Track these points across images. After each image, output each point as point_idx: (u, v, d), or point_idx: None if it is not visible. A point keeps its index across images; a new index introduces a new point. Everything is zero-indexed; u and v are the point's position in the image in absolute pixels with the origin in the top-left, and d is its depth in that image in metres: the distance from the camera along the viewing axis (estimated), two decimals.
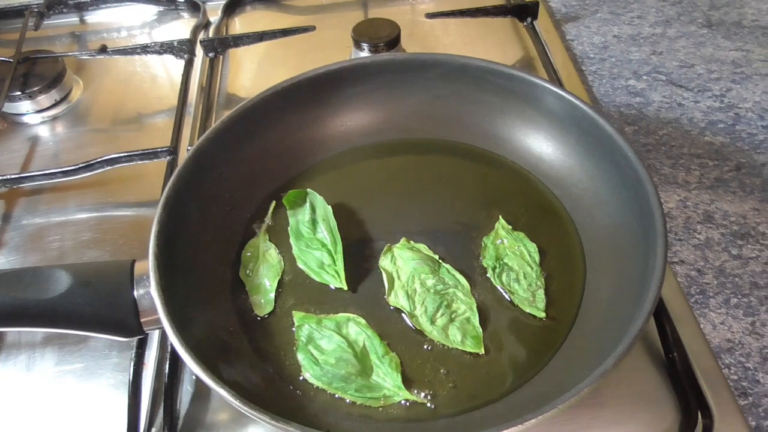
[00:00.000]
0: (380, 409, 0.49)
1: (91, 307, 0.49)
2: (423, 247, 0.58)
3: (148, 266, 0.50)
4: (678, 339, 0.54)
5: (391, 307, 0.55)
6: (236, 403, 0.42)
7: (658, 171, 0.69)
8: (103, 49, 0.87)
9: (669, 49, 0.85)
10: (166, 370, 0.56)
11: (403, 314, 0.54)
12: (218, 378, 0.44)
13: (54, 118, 0.85)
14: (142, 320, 0.50)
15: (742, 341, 0.56)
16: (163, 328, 0.47)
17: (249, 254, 0.59)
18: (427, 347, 0.53)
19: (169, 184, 0.55)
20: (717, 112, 0.76)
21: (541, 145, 0.63)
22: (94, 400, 0.57)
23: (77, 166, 0.73)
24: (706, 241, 0.63)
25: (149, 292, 0.49)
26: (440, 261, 0.57)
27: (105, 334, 0.51)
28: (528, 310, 0.53)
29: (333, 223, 0.59)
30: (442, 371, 0.51)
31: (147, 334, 0.51)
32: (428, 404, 0.49)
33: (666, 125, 0.75)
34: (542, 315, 0.53)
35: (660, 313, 0.55)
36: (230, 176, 0.61)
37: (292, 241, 0.60)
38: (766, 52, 0.83)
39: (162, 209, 0.53)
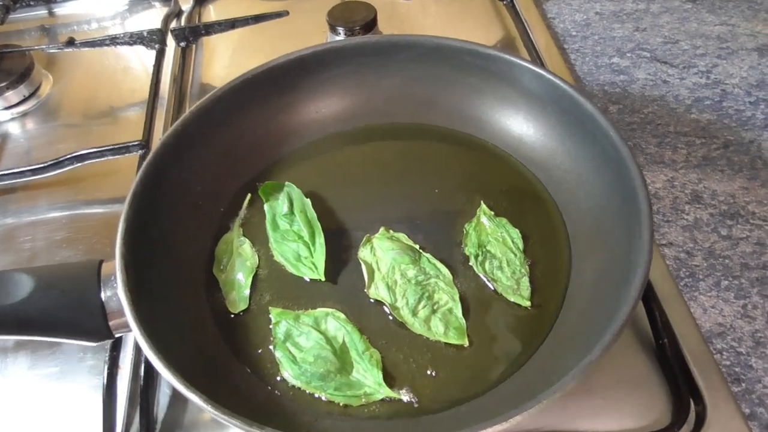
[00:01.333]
0: (361, 407, 0.47)
1: (56, 311, 0.47)
2: (403, 237, 0.56)
3: (114, 266, 0.48)
4: (668, 324, 0.52)
5: (372, 300, 0.53)
6: (208, 408, 0.40)
7: (644, 150, 0.68)
8: (71, 42, 0.84)
9: (653, 25, 0.83)
10: (142, 373, 0.54)
11: (383, 307, 0.53)
12: (190, 383, 0.42)
13: (23, 115, 0.83)
14: (110, 323, 0.48)
15: (734, 325, 0.54)
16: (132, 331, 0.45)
17: (222, 249, 0.57)
18: (409, 341, 0.51)
19: (135, 180, 0.53)
20: (703, 88, 0.74)
21: (521, 127, 0.61)
22: (70, 405, 0.55)
23: (46, 164, 0.71)
24: (694, 222, 0.61)
25: (117, 293, 0.47)
26: (420, 250, 0.55)
27: (72, 339, 0.49)
28: (512, 299, 0.52)
29: (312, 213, 0.57)
30: (424, 366, 0.49)
31: (117, 337, 0.49)
32: (411, 401, 0.48)
33: (651, 103, 0.73)
34: (527, 304, 0.51)
35: (649, 297, 0.53)
36: (200, 169, 0.59)
37: (269, 232, 0.58)
38: (751, 26, 0.81)
39: (129, 207, 0.51)
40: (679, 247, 0.60)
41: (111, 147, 0.72)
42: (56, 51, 0.88)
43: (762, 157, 0.66)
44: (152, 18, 0.95)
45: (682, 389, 0.50)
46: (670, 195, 0.63)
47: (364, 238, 0.56)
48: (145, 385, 0.53)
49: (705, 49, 0.78)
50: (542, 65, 0.59)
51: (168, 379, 0.42)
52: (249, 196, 0.60)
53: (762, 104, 0.71)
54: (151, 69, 0.83)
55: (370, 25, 0.79)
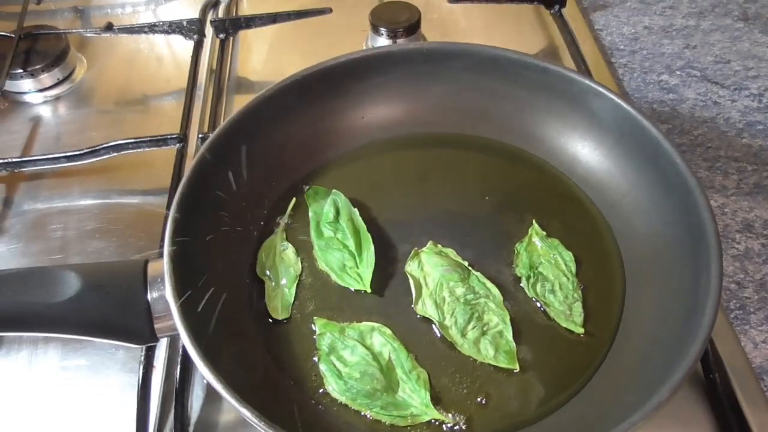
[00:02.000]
0: (407, 427, 0.46)
1: (102, 312, 0.46)
2: (451, 252, 0.55)
3: (162, 267, 0.47)
4: (718, 358, 0.51)
5: (418, 317, 0.52)
6: (261, 425, 0.39)
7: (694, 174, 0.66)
8: (109, 27, 0.83)
9: (703, 43, 0.81)
10: (177, 374, 0.53)
11: (430, 325, 0.51)
12: (239, 396, 0.41)
13: (57, 98, 0.81)
14: (155, 326, 0.47)
15: None
16: (177, 335, 0.44)
17: (266, 254, 0.56)
18: (457, 362, 0.49)
19: (183, 180, 0.52)
20: (755, 112, 0.72)
21: (576, 146, 0.60)
22: (100, 401, 0.54)
23: (82, 151, 0.70)
24: (745, 252, 0.60)
25: (163, 295, 0.46)
26: (470, 268, 0.53)
27: (116, 341, 0.48)
28: (565, 325, 0.50)
29: (360, 222, 0.56)
30: (472, 389, 0.48)
31: (159, 340, 0.48)
32: (458, 425, 0.46)
33: (701, 125, 0.71)
34: (581, 330, 0.50)
35: None
36: (246, 171, 0.57)
37: (313, 239, 0.57)
38: None
39: (176, 208, 0.50)
40: (729, 277, 0.58)
41: (149, 138, 0.70)
42: (93, 35, 0.86)
43: None
44: (185, 6, 0.94)
45: (732, 426, 0.49)
46: (720, 223, 0.62)
47: (412, 252, 0.55)
48: (180, 386, 0.53)
49: (757, 71, 0.77)
50: (601, 83, 0.58)
51: (220, 391, 0.41)
52: (294, 200, 0.59)
53: None
54: (184, 59, 0.82)
55: (414, 28, 0.77)
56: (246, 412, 0.40)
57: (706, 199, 0.47)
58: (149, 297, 0.47)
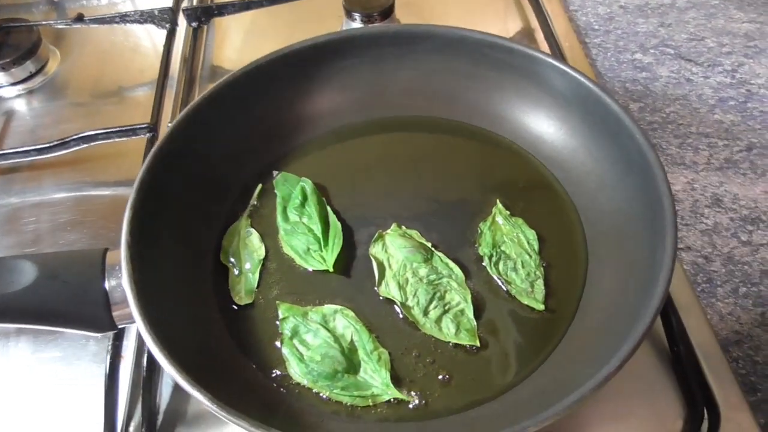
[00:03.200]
0: (368, 408, 0.46)
1: (59, 301, 0.46)
2: (415, 234, 0.54)
3: (120, 255, 0.46)
4: (684, 331, 0.51)
5: (381, 298, 0.52)
6: (212, 407, 0.39)
7: (665, 151, 0.66)
8: (80, 18, 0.83)
9: (678, 21, 0.80)
10: (144, 362, 0.53)
11: (393, 306, 0.51)
12: (194, 380, 0.41)
13: (29, 91, 0.81)
14: (114, 314, 0.47)
15: (751, 333, 0.53)
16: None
17: (230, 240, 0.56)
18: (420, 341, 0.49)
19: (144, 166, 0.52)
20: (728, 88, 0.72)
21: (541, 125, 0.59)
22: (72, 391, 0.54)
23: (52, 144, 0.70)
24: (714, 227, 0.60)
25: (121, 283, 0.46)
26: (433, 249, 0.53)
27: (74, 329, 0.48)
28: (526, 302, 0.50)
29: (327, 208, 0.57)
30: (434, 367, 0.48)
31: (120, 328, 0.48)
32: (420, 403, 0.46)
33: (673, 102, 0.71)
34: (541, 307, 0.50)
35: (665, 303, 0.51)
36: (210, 157, 0.57)
37: (279, 224, 0.57)
38: None
39: (136, 194, 0.50)
40: (697, 251, 0.58)
41: (118, 129, 0.70)
42: (64, 27, 0.86)
43: None
44: None
45: (696, 398, 0.49)
46: (689, 198, 0.62)
47: (376, 234, 0.55)
48: (148, 375, 0.53)
49: (731, 48, 0.76)
50: (564, 61, 0.57)
51: (171, 374, 0.41)
52: (260, 186, 0.59)
53: None
54: (160, 49, 0.82)
55: (387, 12, 0.77)
56: (200, 396, 0.40)
57: (663, 173, 0.47)
58: (107, 285, 0.47)
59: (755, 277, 0.56)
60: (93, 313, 0.47)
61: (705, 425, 0.48)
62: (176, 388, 0.53)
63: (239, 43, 0.85)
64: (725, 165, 0.64)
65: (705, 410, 0.48)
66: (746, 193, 0.62)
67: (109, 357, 0.54)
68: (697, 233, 0.59)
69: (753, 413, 0.48)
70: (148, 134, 0.70)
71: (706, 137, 0.67)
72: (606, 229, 0.52)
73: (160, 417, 0.52)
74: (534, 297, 0.50)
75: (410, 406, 0.46)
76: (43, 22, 0.85)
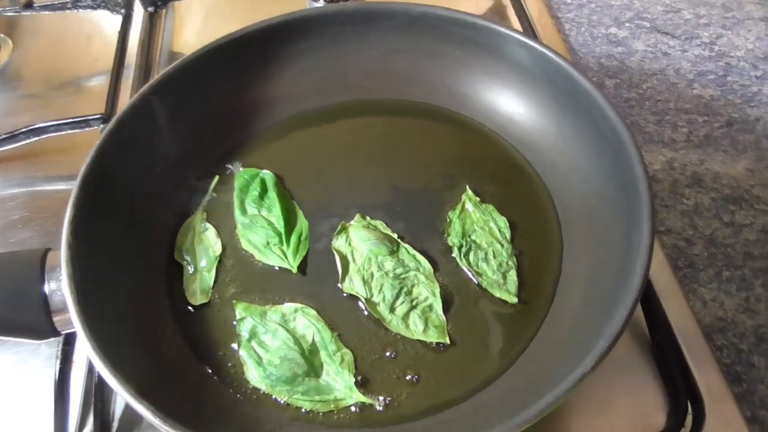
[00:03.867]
0: (330, 413, 0.43)
1: None
2: (380, 225, 0.51)
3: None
4: (665, 319, 0.49)
5: (345, 295, 0.49)
6: (157, 422, 0.36)
7: (642, 129, 0.63)
8: (29, 5, 0.79)
9: None
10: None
11: (357, 302, 0.48)
12: (139, 391, 0.38)
13: None
14: (54, 319, 0.44)
15: (735, 320, 0.51)
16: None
17: (183, 236, 0.52)
18: (386, 340, 0.46)
19: (87, 159, 0.48)
20: (706, 61, 0.69)
21: (511, 104, 0.56)
22: (21, 397, 0.52)
23: (0, 137, 0.66)
24: (695, 207, 0.57)
25: (62, 286, 0.43)
26: (399, 240, 0.50)
27: (13, 337, 0.45)
28: (498, 295, 0.47)
29: (292, 203, 0.54)
30: (401, 368, 0.45)
31: (61, 335, 0.45)
32: (386, 407, 0.43)
33: (650, 77, 0.68)
34: (514, 300, 0.47)
35: (645, 290, 0.49)
36: (162, 148, 0.54)
37: (237, 218, 0.53)
38: None
39: (78, 190, 0.47)
40: (677, 234, 0.56)
41: (70, 120, 0.67)
42: (13, 15, 0.82)
43: None
44: None
45: (679, 390, 0.47)
46: (669, 177, 0.59)
47: (339, 226, 0.51)
48: (100, 381, 0.49)
49: (709, 19, 0.73)
50: (534, 36, 0.54)
51: (114, 387, 0.38)
52: (217, 178, 0.56)
53: None
54: (114, 36, 0.78)
55: None
56: (144, 410, 0.37)
57: (638, 152, 0.44)
58: (46, 289, 0.43)
59: (738, 260, 0.54)
60: (32, 319, 0.43)
61: (689, 419, 0.45)
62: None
63: (198, 27, 0.81)
64: (705, 142, 0.61)
65: (689, 403, 0.46)
66: (727, 171, 0.59)
67: (58, 362, 0.51)
68: (677, 214, 0.57)
69: (738, 405, 0.45)
70: (102, 125, 0.67)
71: (685, 113, 0.64)
72: (580, 213, 0.50)
73: (115, 425, 0.49)
74: (506, 289, 0.47)
75: (376, 410, 0.44)
76: None
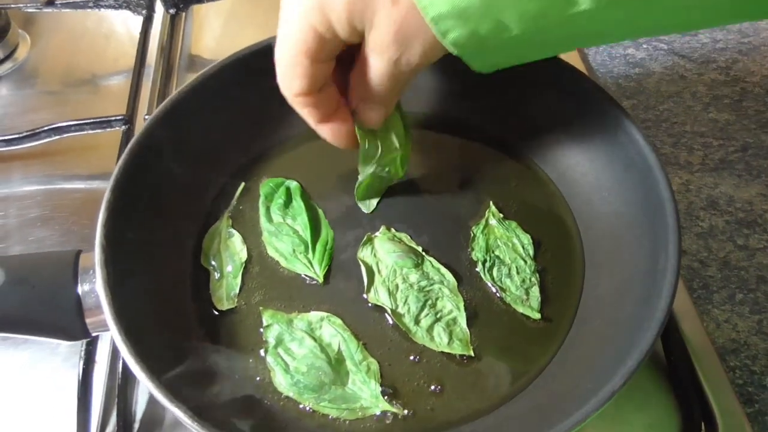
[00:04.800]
0: (357, 421, 0.44)
1: (28, 307, 0.43)
2: (405, 237, 0.52)
3: (93, 259, 0.44)
4: (680, 339, 0.50)
5: (370, 305, 0.49)
6: (194, 425, 0.37)
7: (659, 150, 0.64)
8: (51, 2, 0.79)
9: None
10: (120, 368, 0.51)
11: (383, 313, 0.49)
12: (173, 395, 0.39)
13: None
14: (87, 321, 0.44)
15: (748, 341, 0.52)
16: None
17: (210, 242, 0.53)
18: (410, 351, 0.47)
19: (119, 164, 0.49)
20: (722, 86, 0.70)
21: (534, 123, 0.57)
22: (40, 397, 0.52)
23: (21, 135, 0.67)
24: (709, 230, 0.58)
25: (95, 288, 0.43)
26: (424, 254, 0.51)
27: (45, 337, 0.46)
28: (521, 310, 0.48)
29: (318, 212, 0.55)
30: (426, 379, 0.46)
31: (92, 336, 0.46)
32: (410, 416, 0.44)
33: (667, 100, 0.69)
34: (537, 316, 0.48)
35: None
36: (189, 153, 0.54)
37: (262, 225, 0.54)
38: None
39: (111, 193, 0.47)
40: (692, 256, 0.57)
41: (92, 120, 0.67)
42: (35, 11, 0.82)
43: None
44: None
45: (693, 408, 0.47)
46: (684, 200, 0.60)
47: (365, 238, 0.52)
48: (123, 381, 0.50)
49: (725, 44, 0.75)
50: (558, 56, 0.55)
51: (149, 388, 0.39)
52: (243, 185, 0.56)
53: None
54: (135, 36, 0.78)
55: None
56: (179, 413, 0.38)
57: (665, 177, 0.45)
58: (79, 290, 0.44)
59: (752, 283, 0.55)
60: (65, 321, 0.44)
61: None
62: (153, 396, 0.51)
63: (218, 32, 0.81)
64: (720, 166, 0.63)
65: (702, 422, 0.47)
66: (741, 195, 0.60)
67: (81, 363, 0.51)
68: (692, 236, 0.58)
69: (751, 424, 0.47)
70: (123, 127, 0.67)
71: (701, 137, 0.65)
72: (603, 233, 0.51)
73: (137, 425, 0.50)
74: (529, 305, 0.48)
75: (400, 419, 0.44)
76: (12, 6, 0.81)
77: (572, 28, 0.35)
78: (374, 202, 0.55)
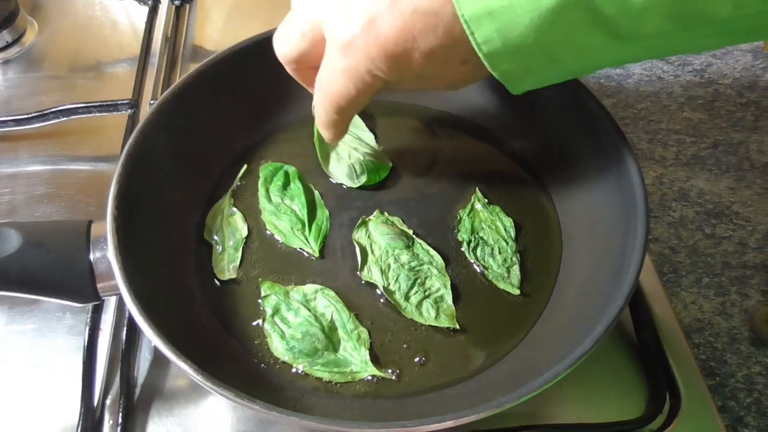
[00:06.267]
0: (347, 384, 0.48)
1: (43, 269, 0.46)
2: (397, 221, 0.56)
3: (105, 228, 0.47)
4: (650, 318, 0.54)
5: (363, 282, 0.53)
6: (199, 378, 0.40)
7: (636, 146, 0.68)
8: None
9: None
10: (123, 336, 0.53)
11: (374, 288, 0.53)
12: (179, 351, 0.41)
13: (5, 62, 0.79)
14: (98, 285, 0.47)
15: (712, 321, 0.56)
16: (120, 295, 0.45)
17: (213, 218, 0.56)
18: (399, 324, 0.51)
19: (131, 140, 0.52)
20: (696, 87, 0.74)
21: (519, 115, 0.61)
22: (46, 364, 0.54)
23: (30, 115, 0.69)
24: (680, 219, 0.62)
25: (106, 255, 0.46)
26: (414, 236, 0.55)
27: (58, 299, 0.48)
28: (502, 287, 0.52)
29: (314, 193, 0.58)
30: (413, 348, 0.50)
31: (103, 300, 0.49)
32: (397, 381, 0.48)
33: (645, 99, 0.73)
34: (516, 292, 0.52)
35: (634, 291, 0.54)
36: (197, 134, 0.58)
37: (262, 204, 0.57)
38: None
39: (122, 167, 0.50)
40: (664, 243, 0.61)
41: (99, 103, 0.70)
42: None
43: (749, 158, 0.67)
44: None
45: (659, 381, 0.51)
46: (658, 191, 0.64)
47: (360, 220, 0.56)
48: (127, 348, 0.53)
49: None
50: None
51: (158, 346, 0.42)
52: (245, 166, 0.60)
53: (752, 106, 0.72)
54: (140, 25, 0.81)
55: None
56: (185, 366, 0.41)
57: (637, 165, 0.49)
58: (91, 257, 0.47)
59: (717, 269, 0.59)
60: (77, 284, 0.47)
61: (666, 408, 0.50)
62: (154, 363, 0.54)
63: (221, 23, 0.84)
64: (692, 161, 0.67)
65: (667, 393, 0.50)
66: (711, 188, 0.65)
67: (87, 329, 0.54)
68: (664, 225, 0.62)
69: (711, 396, 0.50)
70: (129, 110, 0.70)
71: (675, 134, 0.70)
72: (580, 216, 0.55)
73: (138, 390, 0.52)
74: (510, 282, 0.52)
75: (388, 383, 0.48)
76: None
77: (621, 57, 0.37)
78: (363, 178, 0.59)
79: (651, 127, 0.70)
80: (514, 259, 0.53)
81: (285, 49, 0.47)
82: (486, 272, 0.53)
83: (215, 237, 0.55)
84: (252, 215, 0.57)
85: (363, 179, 0.58)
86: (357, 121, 0.62)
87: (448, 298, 0.51)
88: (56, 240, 0.47)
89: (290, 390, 0.47)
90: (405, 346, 0.50)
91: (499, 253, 0.54)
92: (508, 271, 0.53)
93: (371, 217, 0.56)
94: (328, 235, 0.56)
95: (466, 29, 0.35)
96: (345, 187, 0.59)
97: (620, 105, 0.73)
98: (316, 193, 0.58)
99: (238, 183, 0.59)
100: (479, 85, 0.62)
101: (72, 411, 0.50)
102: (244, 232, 0.56)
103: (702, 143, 0.69)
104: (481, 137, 0.62)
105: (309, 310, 0.51)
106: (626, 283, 0.43)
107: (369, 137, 0.61)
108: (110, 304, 0.56)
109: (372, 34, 0.38)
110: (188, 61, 0.79)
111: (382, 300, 0.52)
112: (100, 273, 0.47)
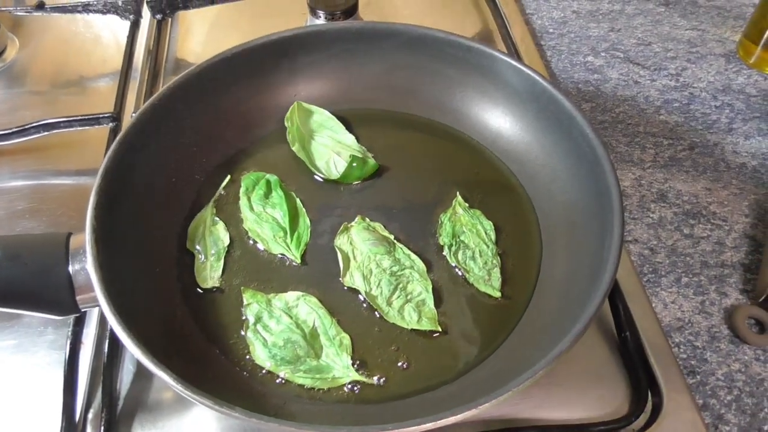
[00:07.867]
0: (330, 390, 0.48)
1: (21, 282, 0.46)
2: (379, 227, 0.56)
3: (84, 239, 0.47)
4: (630, 318, 0.54)
5: (345, 287, 0.53)
6: (178, 387, 0.40)
7: (614, 149, 0.69)
8: (41, 6, 0.82)
9: (627, 26, 0.84)
10: (106, 349, 0.53)
11: (356, 294, 0.53)
12: (158, 361, 0.41)
13: None
14: (77, 297, 0.47)
15: (692, 320, 0.56)
16: (99, 306, 0.45)
17: (195, 228, 0.57)
18: (381, 328, 0.51)
19: (110, 152, 0.52)
20: (672, 91, 0.76)
21: (498, 121, 0.62)
22: (27, 380, 0.54)
23: (10, 131, 0.70)
24: (659, 220, 0.63)
25: (85, 267, 0.46)
26: (395, 242, 0.55)
27: (37, 312, 0.48)
28: (483, 289, 0.52)
29: (296, 201, 0.59)
30: (395, 353, 0.50)
31: (83, 312, 0.48)
32: (379, 386, 0.48)
33: (623, 103, 0.74)
34: (498, 294, 0.52)
35: (613, 291, 0.54)
36: (176, 146, 0.58)
37: (244, 212, 0.58)
38: (720, 32, 0.83)
39: (102, 178, 0.51)
40: (643, 244, 0.61)
41: (80, 117, 0.70)
42: (24, 14, 0.85)
43: (725, 159, 0.68)
44: None
45: (641, 381, 0.51)
46: (637, 193, 0.65)
47: (342, 227, 0.56)
48: (109, 361, 0.53)
49: (675, 53, 0.80)
50: (520, 60, 0.60)
51: (137, 356, 0.42)
52: (228, 177, 0.60)
53: (726, 109, 0.73)
54: (122, 40, 0.82)
55: (351, 11, 0.78)
56: (166, 376, 0.41)
57: (612, 166, 0.50)
58: (71, 269, 0.47)
59: (696, 268, 0.60)
60: (56, 296, 0.47)
61: (648, 406, 0.50)
62: (137, 376, 0.53)
63: (203, 37, 0.85)
64: (670, 163, 0.68)
65: (649, 392, 0.51)
66: (688, 189, 0.65)
67: (69, 343, 0.53)
68: (643, 227, 0.63)
69: (692, 394, 0.51)
70: (111, 124, 0.70)
71: (653, 136, 0.70)
72: (559, 219, 0.55)
73: (121, 403, 0.52)
74: (491, 284, 0.53)
75: (371, 388, 0.48)
76: (2, 9, 0.84)
77: None
78: (341, 167, 0.59)
79: (629, 130, 0.71)
80: (494, 261, 0.54)
81: None
82: (467, 275, 0.53)
83: (197, 246, 0.55)
84: (233, 224, 0.58)
85: (347, 169, 0.59)
86: (336, 126, 0.62)
87: (430, 302, 0.52)
88: (34, 252, 0.47)
89: (273, 397, 0.47)
90: (388, 350, 0.50)
91: (480, 256, 0.54)
92: (489, 274, 0.53)
93: (353, 223, 0.56)
94: (309, 242, 0.56)
95: None
96: (327, 193, 0.60)
97: (598, 109, 0.74)
98: (298, 201, 0.59)
99: (221, 193, 0.59)
100: (460, 93, 0.63)
101: (53, 426, 0.50)
102: (226, 241, 0.56)
103: (679, 145, 0.70)
104: (462, 143, 0.63)
105: (291, 317, 0.51)
106: (604, 281, 0.44)
107: (350, 139, 0.62)
108: (92, 317, 0.56)
109: None
110: (170, 74, 0.80)
111: (364, 305, 0.52)
112: (80, 285, 0.47)
